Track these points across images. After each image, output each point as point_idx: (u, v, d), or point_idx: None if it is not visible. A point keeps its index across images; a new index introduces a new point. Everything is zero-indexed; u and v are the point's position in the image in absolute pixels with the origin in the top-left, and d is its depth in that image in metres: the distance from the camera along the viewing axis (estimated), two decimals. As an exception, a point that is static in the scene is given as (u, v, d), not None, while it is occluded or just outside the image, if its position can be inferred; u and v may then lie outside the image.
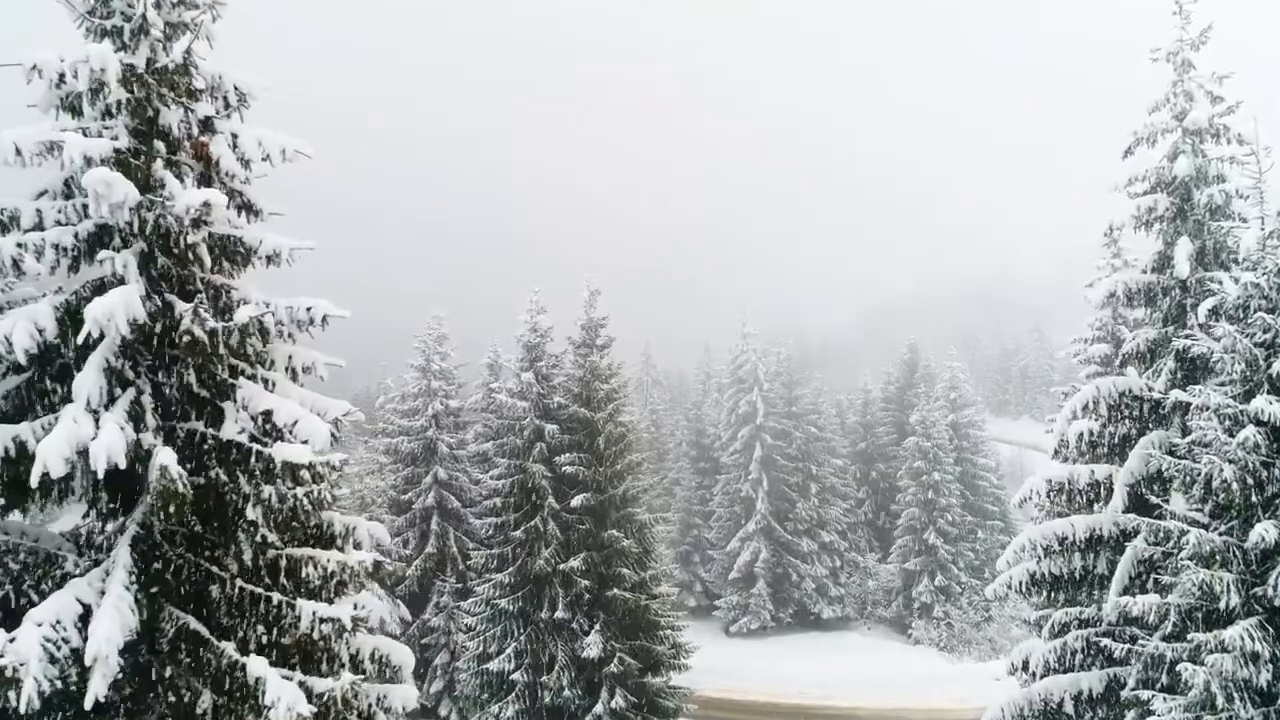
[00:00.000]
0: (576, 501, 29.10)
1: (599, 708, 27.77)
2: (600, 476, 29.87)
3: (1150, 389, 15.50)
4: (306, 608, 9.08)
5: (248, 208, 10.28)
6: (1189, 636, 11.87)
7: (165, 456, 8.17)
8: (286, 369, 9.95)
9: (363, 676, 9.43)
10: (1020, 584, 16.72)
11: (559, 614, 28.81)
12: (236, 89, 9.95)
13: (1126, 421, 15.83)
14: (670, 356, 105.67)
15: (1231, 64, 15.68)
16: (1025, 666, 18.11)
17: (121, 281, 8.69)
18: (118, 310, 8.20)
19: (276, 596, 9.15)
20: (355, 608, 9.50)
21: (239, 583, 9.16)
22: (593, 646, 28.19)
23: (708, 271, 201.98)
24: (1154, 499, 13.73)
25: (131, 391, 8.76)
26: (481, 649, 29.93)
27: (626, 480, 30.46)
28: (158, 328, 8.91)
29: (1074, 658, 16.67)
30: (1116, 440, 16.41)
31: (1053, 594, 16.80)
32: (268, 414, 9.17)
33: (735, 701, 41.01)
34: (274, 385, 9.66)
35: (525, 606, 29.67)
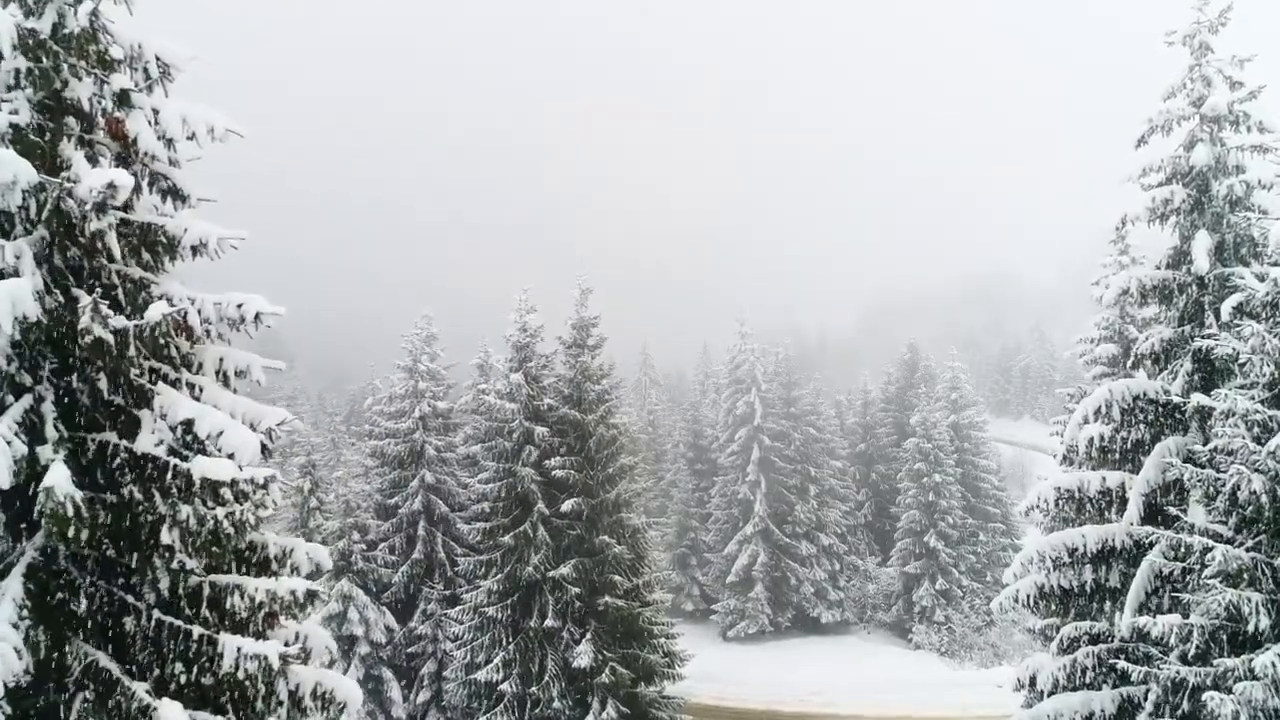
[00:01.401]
0: (567, 506, 28.24)
1: (590, 719, 26.90)
2: (591, 480, 29.02)
3: (1166, 392, 14.59)
4: (230, 643, 8.14)
5: (173, 193, 9.27)
6: (1214, 661, 10.96)
7: (55, 475, 7.25)
8: (217, 373, 9.01)
9: (303, 718, 8.50)
10: (1028, 597, 15.82)
11: (549, 622, 27.95)
12: (159, 59, 8.95)
13: (1141, 426, 14.92)
14: (669, 357, 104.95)
15: (1252, 47, 14.77)
16: (1033, 683, 17.20)
17: (15, 274, 7.79)
18: (1, 307, 7.28)
19: (197, 630, 8.21)
20: (297, 638, 8.59)
21: (156, 614, 8.23)
22: (583, 656, 27.34)
23: (707, 271, 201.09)
24: (1173, 510, 12.82)
25: (27, 399, 7.86)
26: (469, 658, 29.08)
27: (619, 484, 29.59)
28: (61, 327, 7.97)
29: (1084, 675, 15.75)
30: (1129, 446, 15.51)
31: (1062, 608, 15.89)
32: (188, 424, 8.22)
33: (732, 709, 40.18)
34: (201, 391, 8.74)
35: (514, 614, 28.81)
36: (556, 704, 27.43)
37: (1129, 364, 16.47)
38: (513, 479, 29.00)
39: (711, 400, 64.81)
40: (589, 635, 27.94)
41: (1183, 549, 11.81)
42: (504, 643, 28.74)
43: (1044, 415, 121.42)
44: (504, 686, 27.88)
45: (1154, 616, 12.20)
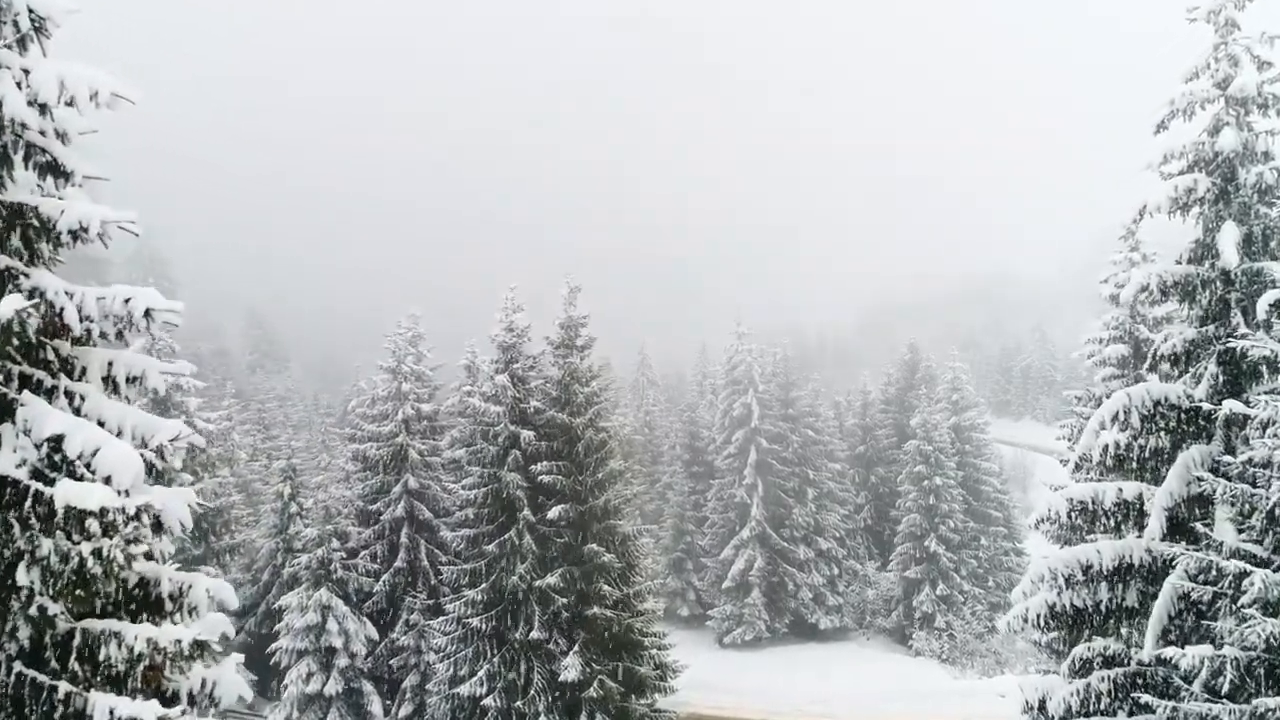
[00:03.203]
0: (554, 513, 27.16)
1: (576, 736, 25.84)
2: (580, 486, 27.96)
3: (1190, 397, 13.48)
4: (101, 703, 6.94)
5: (53, 169, 8.02)
6: (1253, 700, 9.85)
7: None
8: (105, 380, 7.84)
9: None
10: (1038, 617, 14.71)
11: (535, 634, 26.88)
12: (31, 12, 7.75)
13: (1162, 434, 13.81)
14: (668, 356, 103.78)
15: (1282, 23, 13.65)
16: (1043, 707, 16.10)
17: None
18: None
19: (64, 687, 7.02)
20: (204, 685, 7.43)
21: (18, 667, 7.06)
22: (571, 669, 26.28)
23: (707, 270, 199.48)
24: (1201, 526, 11.70)
25: None
26: (452, 671, 28.02)
27: (608, 490, 28.53)
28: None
29: (1099, 701, 14.64)
30: (1147, 454, 14.40)
31: (1074, 629, 14.77)
32: (57, 440, 7.04)
33: (728, 719, 39.03)
34: (83, 400, 7.57)
35: (499, 625, 27.74)
36: (543, 719, 26.35)
37: (1145, 366, 15.38)
38: (497, 485, 27.93)
39: (709, 401, 63.64)
40: (577, 647, 26.88)
41: (1214, 571, 10.69)
42: (488, 655, 27.67)
43: (1045, 416, 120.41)
44: (488, 701, 26.81)
45: (1183, 647, 11.08)
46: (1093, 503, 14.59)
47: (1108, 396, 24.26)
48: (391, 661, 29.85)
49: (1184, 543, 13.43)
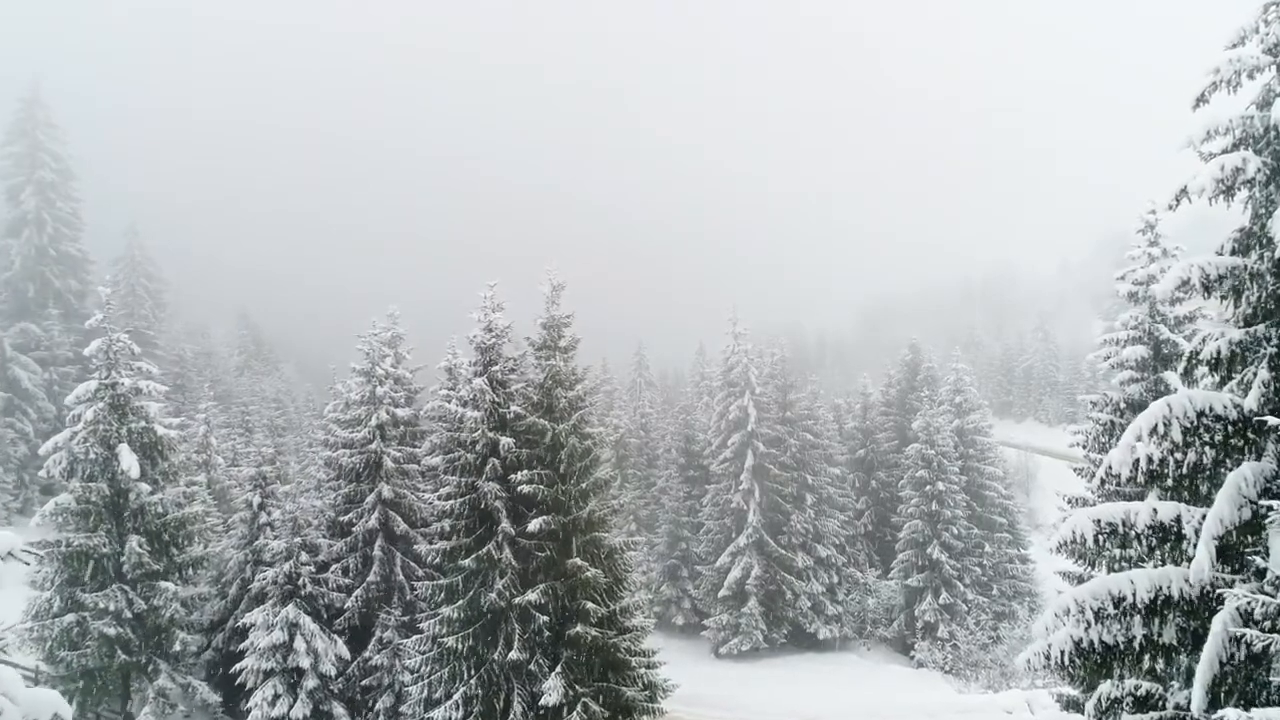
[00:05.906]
0: (535, 525, 25.48)
1: (558, 764, 24.17)
2: (563, 496, 26.29)
3: (1238, 407, 11.82)
4: None
5: None
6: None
7: None
8: None
9: None
10: (1064, 654, 13.01)
11: (514, 654, 25.22)
12: None
13: (1206, 449, 12.14)
14: (667, 356, 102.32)
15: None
16: (1064, 750, 14.50)
17: None
18: None
19: None
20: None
21: None
22: (553, 692, 24.62)
23: (705, 269, 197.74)
24: (1261, 561, 10.04)
25: None
26: (426, 693, 26.33)
27: (593, 500, 26.86)
28: None
29: (1131, 749, 13.02)
30: (1185, 470, 12.74)
31: (1104, 668, 13.10)
32: None
33: (723, 737, 37.42)
34: None
35: (477, 645, 26.06)
36: (522, 746, 24.72)
37: (1179, 370, 13.68)
38: (475, 495, 26.27)
39: (705, 404, 62.05)
40: (559, 668, 25.22)
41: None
42: (465, 676, 26.01)
43: (1048, 418, 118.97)
44: (464, 726, 25.16)
45: (1238, 700, 9.42)
46: (1123, 525, 12.94)
47: (1126, 401, 22.70)
48: (364, 682, 28.15)
49: (1229, 571, 11.82)
